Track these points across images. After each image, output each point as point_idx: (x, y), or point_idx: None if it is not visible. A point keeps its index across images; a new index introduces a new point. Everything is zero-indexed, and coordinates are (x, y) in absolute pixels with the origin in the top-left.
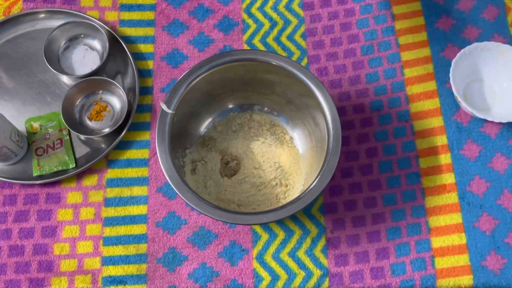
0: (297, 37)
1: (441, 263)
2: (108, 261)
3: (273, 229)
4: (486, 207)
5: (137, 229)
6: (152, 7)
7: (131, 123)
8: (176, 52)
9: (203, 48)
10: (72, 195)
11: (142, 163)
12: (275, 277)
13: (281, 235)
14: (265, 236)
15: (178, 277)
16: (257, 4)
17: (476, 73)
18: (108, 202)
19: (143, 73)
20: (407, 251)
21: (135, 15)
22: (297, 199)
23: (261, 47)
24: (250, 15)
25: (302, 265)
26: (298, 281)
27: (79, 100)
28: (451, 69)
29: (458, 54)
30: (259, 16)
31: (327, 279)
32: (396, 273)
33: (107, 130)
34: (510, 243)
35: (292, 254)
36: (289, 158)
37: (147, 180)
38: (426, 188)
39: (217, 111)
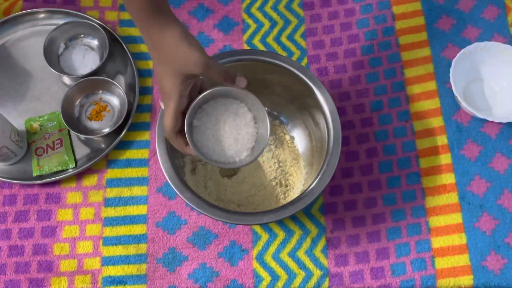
0: (297, 37)
1: (441, 263)
2: (108, 261)
3: (273, 229)
4: (486, 207)
5: (137, 229)
6: None
7: (131, 123)
8: None
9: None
10: (72, 195)
11: (142, 163)
12: (275, 277)
13: (281, 235)
14: (265, 236)
15: (178, 277)
16: (257, 4)
17: (476, 73)
18: (108, 202)
19: (143, 73)
20: (407, 251)
21: None
22: (297, 199)
23: (261, 47)
24: (250, 15)
25: (302, 265)
26: (298, 281)
27: (79, 100)
28: (451, 69)
29: (458, 54)
30: (259, 16)
31: (327, 279)
32: (396, 273)
33: (107, 130)
34: (510, 243)
35: (292, 254)
36: (289, 158)
37: (147, 180)
38: (426, 188)
39: None
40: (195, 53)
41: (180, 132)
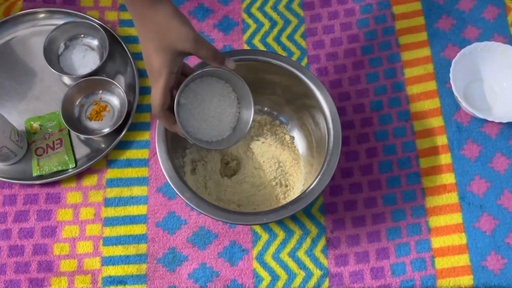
0: (297, 37)
1: (441, 263)
2: (108, 261)
3: (273, 229)
4: (486, 207)
5: (137, 229)
6: None
7: (131, 123)
8: None
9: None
10: (72, 195)
11: (142, 163)
12: (275, 277)
13: (281, 235)
14: (265, 236)
15: (178, 277)
16: (257, 4)
17: (476, 73)
18: (108, 202)
19: (143, 73)
20: (407, 251)
21: None
22: (297, 199)
23: (261, 47)
24: (250, 15)
25: (302, 265)
26: (298, 281)
27: (79, 100)
28: (451, 69)
29: (458, 54)
30: (259, 16)
31: (327, 279)
32: (396, 273)
33: (107, 130)
34: (510, 243)
35: (292, 254)
36: (289, 158)
37: (147, 180)
38: (426, 188)
39: None
40: (187, 30)
41: (167, 109)
